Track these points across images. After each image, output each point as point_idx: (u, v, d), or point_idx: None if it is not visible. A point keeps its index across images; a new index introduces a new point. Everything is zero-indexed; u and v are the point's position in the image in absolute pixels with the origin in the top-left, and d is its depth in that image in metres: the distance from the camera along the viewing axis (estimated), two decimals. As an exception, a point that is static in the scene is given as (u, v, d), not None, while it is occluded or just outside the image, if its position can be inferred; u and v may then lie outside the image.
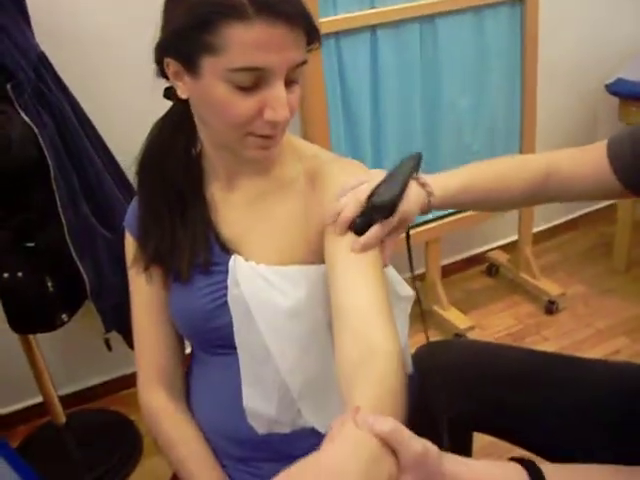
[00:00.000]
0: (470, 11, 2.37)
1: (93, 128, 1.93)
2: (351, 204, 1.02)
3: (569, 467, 0.94)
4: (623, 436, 1.19)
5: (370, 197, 1.03)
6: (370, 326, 0.93)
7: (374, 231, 1.02)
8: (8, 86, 1.64)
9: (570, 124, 3.14)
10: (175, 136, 1.14)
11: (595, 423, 1.24)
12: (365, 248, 1.01)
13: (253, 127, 0.99)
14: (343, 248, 1.01)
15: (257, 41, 0.91)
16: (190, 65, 0.97)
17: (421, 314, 1.24)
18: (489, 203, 1.30)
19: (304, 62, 0.98)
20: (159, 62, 1.03)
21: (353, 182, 1.06)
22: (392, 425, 0.69)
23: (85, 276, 1.88)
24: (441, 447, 0.76)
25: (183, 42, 0.96)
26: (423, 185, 1.12)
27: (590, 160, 1.21)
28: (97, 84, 2.09)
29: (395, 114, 2.36)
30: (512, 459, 0.89)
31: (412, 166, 1.11)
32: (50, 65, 1.81)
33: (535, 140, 2.70)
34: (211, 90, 0.96)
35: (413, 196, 1.09)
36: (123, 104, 2.13)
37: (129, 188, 1.95)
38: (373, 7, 2.20)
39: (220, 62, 0.93)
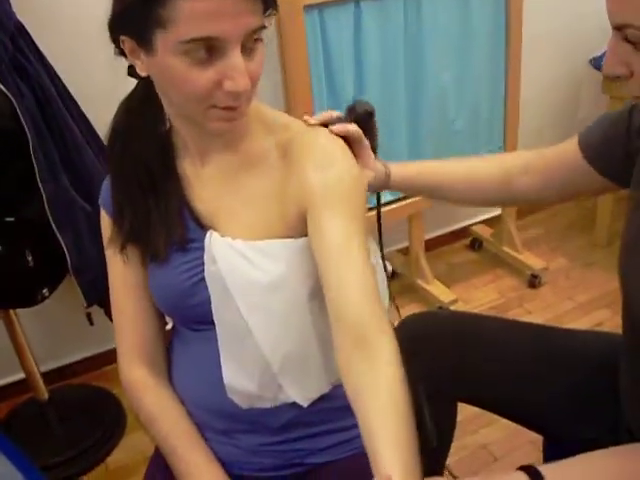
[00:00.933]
0: (454, -16, 2.35)
1: (72, 99, 1.90)
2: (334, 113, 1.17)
3: (568, 464, 0.96)
4: (608, 409, 1.21)
5: (350, 107, 1.24)
6: (367, 320, 0.96)
7: (349, 125, 1.16)
8: (-16, 56, 1.61)
9: (554, 99, 3.14)
10: (142, 114, 1.11)
11: (577, 393, 1.25)
12: (337, 130, 1.13)
13: (214, 100, 0.96)
14: (333, 232, 1.01)
15: (207, 10, 0.87)
16: (143, 41, 0.94)
17: (389, 286, 1.28)
18: (450, 191, 1.35)
19: (261, 27, 0.94)
20: (115, 41, 1.00)
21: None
22: None
23: (66, 250, 1.86)
24: (422, 417, 0.78)
25: (133, 18, 0.92)
26: (384, 165, 1.27)
27: (562, 152, 1.24)
28: (76, 55, 2.06)
29: (378, 87, 2.34)
30: (519, 468, 0.93)
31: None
32: (28, 35, 1.78)
33: (519, 114, 2.70)
34: (167, 65, 0.93)
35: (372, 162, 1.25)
36: (103, 75, 2.09)
37: (109, 160, 1.92)
38: (357, -22, 2.17)
39: (171, 35, 0.89)
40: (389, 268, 1.32)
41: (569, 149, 1.23)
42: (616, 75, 0.91)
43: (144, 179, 1.12)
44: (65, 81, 1.89)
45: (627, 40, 0.87)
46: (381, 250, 1.23)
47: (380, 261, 1.29)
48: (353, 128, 1.17)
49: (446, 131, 2.56)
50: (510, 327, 1.39)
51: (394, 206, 2.49)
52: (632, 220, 1.09)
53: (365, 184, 1.15)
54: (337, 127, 1.13)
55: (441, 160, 1.37)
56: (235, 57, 0.92)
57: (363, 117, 1.23)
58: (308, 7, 2.09)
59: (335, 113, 1.18)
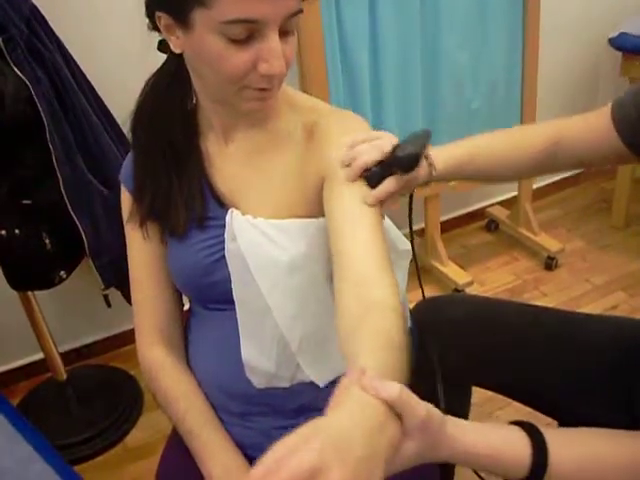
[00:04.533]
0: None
1: (88, 83, 1.91)
2: (373, 151, 1.03)
3: (571, 431, 0.94)
4: (623, 394, 1.20)
5: (394, 150, 1.04)
6: (371, 279, 0.94)
7: (388, 183, 1.03)
8: (0, 41, 1.61)
9: (572, 78, 3.11)
10: (170, 90, 1.12)
11: (595, 379, 1.25)
12: (377, 200, 1.02)
13: (248, 80, 0.97)
14: (346, 198, 1.01)
15: None
16: (182, 19, 0.94)
17: (417, 270, 1.24)
18: (494, 174, 1.29)
19: (299, 11, 0.95)
20: (150, 16, 1.01)
21: (364, 134, 1.07)
22: (399, 391, 0.69)
23: (83, 232, 1.87)
24: (437, 401, 0.77)
25: None
26: (426, 157, 1.13)
27: (595, 126, 1.19)
28: (92, 38, 2.06)
29: (394, 68, 2.33)
30: (513, 422, 0.90)
31: (427, 136, 1.12)
32: (43, 19, 1.78)
33: (536, 94, 2.67)
34: (204, 44, 0.94)
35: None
36: (119, 58, 2.10)
37: (126, 143, 1.93)
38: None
39: (212, 15, 0.90)
40: (408, 247, 1.30)
41: (601, 123, 1.18)
42: None
43: (167, 155, 1.13)
44: (81, 65, 1.89)
45: None
46: (411, 231, 1.20)
47: (401, 238, 1.28)
48: (390, 188, 1.05)
49: (463, 111, 2.54)
50: (525, 311, 1.38)
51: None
52: None
53: None
54: (375, 195, 1.03)
55: (484, 140, 1.27)
56: (273, 40, 0.93)
57: (407, 163, 1.06)
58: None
59: (370, 156, 1.04)
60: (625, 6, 2.89)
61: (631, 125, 1.15)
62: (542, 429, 0.88)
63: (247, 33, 0.92)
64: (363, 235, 0.98)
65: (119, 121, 1.96)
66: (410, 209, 1.18)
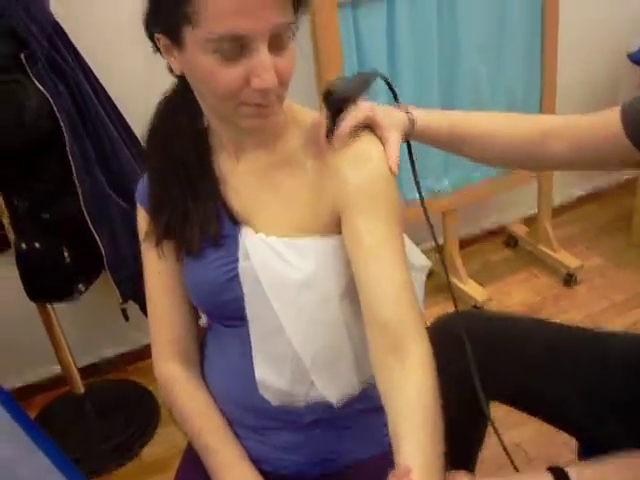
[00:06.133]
0: (489, -24, 2.33)
1: (108, 98, 1.93)
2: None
3: (598, 467, 0.94)
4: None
5: (327, 88, 1.07)
6: (404, 328, 0.99)
7: (341, 122, 1.05)
8: (22, 55, 1.63)
9: (591, 92, 3.08)
10: (181, 111, 1.12)
11: (612, 396, 1.23)
12: (339, 139, 1.05)
13: (243, 97, 0.96)
14: (367, 235, 1.02)
15: (232, 7, 0.88)
16: (175, 38, 0.94)
17: (449, 285, 1.28)
18: (475, 149, 1.26)
19: (290, 24, 0.94)
20: (151, 38, 1.01)
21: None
22: None
23: (102, 246, 1.88)
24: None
25: (164, 15, 0.94)
26: (406, 112, 1.15)
27: (602, 125, 1.17)
28: (112, 53, 2.07)
29: (412, 83, 2.33)
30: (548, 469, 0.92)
31: (370, 77, 1.14)
32: (65, 34, 1.80)
33: (555, 107, 2.66)
34: (196, 63, 0.94)
35: (395, 112, 1.14)
36: (139, 75, 2.11)
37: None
38: (390, -27, 2.16)
39: (198, 32, 0.90)
40: (427, 263, 1.29)
41: (610, 121, 1.15)
42: None
43: (181, 176, 1.13)
44: (101, 80, 1.91)
45: None
46: (434, 240, 1.21)
47: (418, 254, 1.28)
48: (347, 128, 1.07)
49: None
50: (544, 327, 1.37)
51: (428, 203, 2.46)
52: None
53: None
54: (336, 141, 1.06)
55: (470, 114, 1.26)
56: (262, 54, 0.92)
57: (339, 105, 1.07)
58: (342, 3, 2.09)
59: (319, 117, 1.10)
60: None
61: (638, 127, 1.12)
62: (569, 469, 0.89)
63: (236, 49, 0.91)
64: (386, 274, 1.01)
65: (138, 136, 1.97)
66: (426, 217, 1.20)
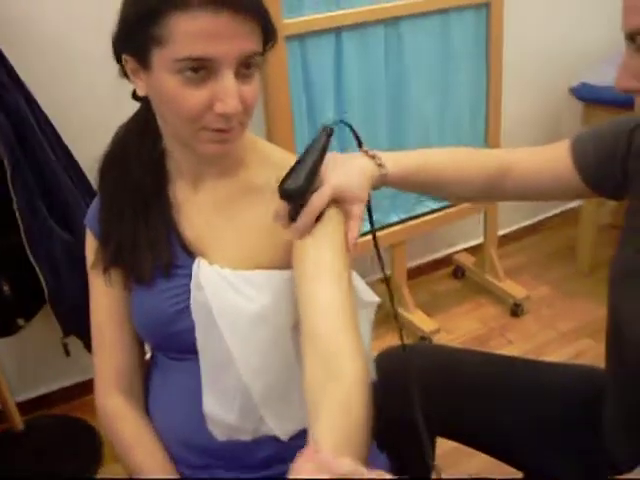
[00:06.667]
0: (435, 14, 2.37)
1: (52, 127, 1.89)
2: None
3: None
4: (585, 442, 1.20)
5: (281, 185, 1.00)
6: (340, 346, 0.93)
7: (302, 216, 1.00)
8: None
9: (535, 126, 3.16)
10: (142, 136, 1.12)
11: (556, 428, 1.24)
12: (302, 232, 1.01)
13: (205, 121, 0.96)
14: (312, 257, 1.01)
15: (201, 31, 0.90)
16: (143, 59, 0.95)
17: (395, 317, 1.27)
18: (441, 190, 1.26)
19: (257, 54, 0.96)
20: (119, 60, 1.02)
21: None
22: (350, 468, 0.69)
23: (43, 279, 1.84)
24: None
25: (133, 36, 0.95)
26: (372, 157, 1.09)
27: (552, 157, 1.20)
28: (58, 83, 2.04)
29: (360, 117, 2.34)
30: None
31: (322, 144, 1.05)
32: (5, 60, 1.77)
33: (500, 142, 2.71)
34: (162, 84, 0.95)
35: (358, 169, 1.05)
36: (86, 104, 2.09)
37: (90, 190, 1.91)
38: (339, 8, 2.18)
39: (167, 53, 0.92)
40: (376, 299, 1.29)
41: (560, 155, 1.19)
42: (628, 90, 0.90)
43: (135, 201, 1.13)
44: (43, 106, 1.87)
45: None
46: (382, 270, 1.20)
47: (367, 290, 1.27)
48: (311, 218, 1.02)
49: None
50: (488, 361, 1.38)
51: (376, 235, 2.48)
52: (623, 250, 1.08)
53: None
54: (297, 231, 1.02)
55: (435, 157, 1.24)
56: (227, 79, 0.93)
57: (297, 201, 1.02)
58: (289, 36, 2.10)
59: (279, 210, 1.04)
60: (586, 56, 2.95)
61: (588, 162, 1.16)
62: None
63: (202, 72, 0.92)
64: (332, 294, 0.97)
65: (82, 166, 1.94)
66: (376, 247, 1.17)
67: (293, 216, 1.02)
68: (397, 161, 1.12)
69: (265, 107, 2.25)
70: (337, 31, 2.20)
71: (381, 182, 1.10)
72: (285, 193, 1.00)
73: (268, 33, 0.99)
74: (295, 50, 2.15)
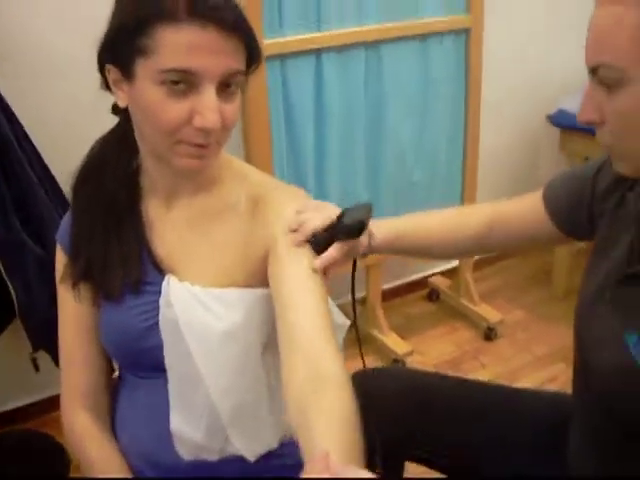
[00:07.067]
0: (415, 39, 2.39)
1: (28, 139, 1.88)
2: (318, 218, 1.08)
3: None
4: (553, 467, 1.20)
5: (340, 217, 1.10)
6: (321, 352, 0.94)
7: (333, 249, 1.08)
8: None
9: (512, 153, 3.19)
10: (118, 151, 1.12)
11: (525, 453, 1.25)
12: (323, 265, 1.06)
13: (183, 134, 0.97)
14: (293, 269, 1.03)
15: (188, 44, 0.91)
16: (126, 70, 0.96)
17: (358, 340, 1.29)
18: (431, 252, 1.34)
19: (240, 72, 0.97)
20: (101, 70, 1.02)
21: (312, 202, 1.13)
22: (368, 475, 0.70)
23: (14, 293, 1.82)
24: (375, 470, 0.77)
25: (119, 46, 0.95)
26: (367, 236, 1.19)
27: (530, 207, 1.24)
28: (37, 97, 2.04)
29: (338, 138, 2.36)
30: None
31: (370, 208, 1.16)
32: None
33: (477, 168, 2.73)
34: (144, 94, 0.95)
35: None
36: (63, 118, 2.08)
37: (65, 205, 1.89)
38: (320, 30, 2.20)
39: (152, 64, 0.92)
40: (346, 322, 1.30)
41: (534, 206, 1.23)
42: (590, 122, 0.93)
43: (108, 216, 1.12)
44: (20, 118, 1.86)
45: (601, 82, 0.88)
46: (353, 298, 1.23)
47: (337, 313, 1.28)
48: (334, 257, 1.09)
49: (405, 183, 2.58)
50: (460, 386, 1.39)
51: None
52: (587, 284, 1.10)
53: None
54: (320, 260, 1.07)
55: (420, 219, 1.33)
56: (209, 94, 0.94)
57: (352, 231, 1.11)
58: (270, 56, 2.11)
59: (317, 224, 1.09)
60: (563, 84, 2.99)
61: (560, 207, 1.20)
62: None
63: (185, 84, 0.93)
64: (311, 306, 0.99)
65: (58, 179, 1.93)
66: (353, 277, 1.21)
67: (318, 241, 1.07)
68: (384, 234, 1.23)
69: (244, 126, 2.25)
70: (317, 52, 2.21)
71: (369, 250, 1.21)
72: (349, 224, 1.10)
73: (252, 54, 1.00)
74: (275, 70, 2.16)
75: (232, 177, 1.15)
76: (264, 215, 1.10)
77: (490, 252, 1.36)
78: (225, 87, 0.96)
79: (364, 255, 1.22)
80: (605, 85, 0.89)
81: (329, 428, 0.83)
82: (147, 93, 0.95)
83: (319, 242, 1.08)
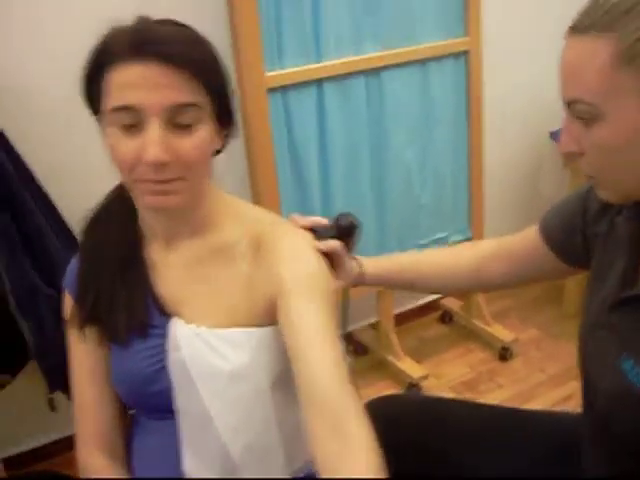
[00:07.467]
0: (415, 64, 2.41)
1: (35, 181, 1.90)
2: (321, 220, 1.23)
3: None
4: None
5: (336, 219, 1.25)
6: (344, 409, 0.92)
7: (332, 242, 1.19)
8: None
9: (517, 173, 3.19)
10: (124, 199, 1.13)
11: (541, 476, 1.24)
12: (323, 249, 1.15)
13: (139, 172, 0.98)
14: (305, 317, 1.00)
15: (130, 81, 0.93)
16: (98, 116, 1.01)
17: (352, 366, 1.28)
18: (423, 289, 1.46)
19: (191, 105, 0.97)
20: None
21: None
22: None
23: (28, 335, 1.83)
24: None
25: (88, 94, 1.01)
26: (358, 263, 1.30)
27: (529, 240, 1.26)
28: (42, 136, 2.06)
29: (343, 167, 2.37)
30: None
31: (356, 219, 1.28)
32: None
33: (482, 188, 2.74)
34: (107, 136, 0.99)
35: (347, 265, 1.27)
36: (70, 157, 2.10)
37: (73, 245, 1.91)
38: (319, 61, 2.22)
39: (104, 106, 0.97)
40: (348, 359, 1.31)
41: (531, 237, 1.25)
42: (570, 152, 0.94)
43: (113, 262, 1.14)
44: (27, 161, 1.89)
45: (577, 117, 0.89)
46: (343, 329, 1.25)
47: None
48: (335, 247, 1.20)
49: (412, 207, 2.59)
50: (475, 411, 1.39)
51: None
52: (590, 307, 1.10)
53: (332, 280, 1.15)
54: (323, 244, 1.17)
55: (414, 254, 1.43)
56: (151, 128, 0.95)
57: (347, 230, 1.26)
58: (271, 89, 2.13)
59: (323, 221, 1.24)
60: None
61: (556, 236, 1.21)
62: None
63: (134, 123, 0.95)
64: (329, 357, 0.96)
65: (66, 221, 1.95)
66: (343, 306, 1.28)
67: (319, 235, 1.20)
68: (375, 267, 1.33)
69: (248, 159, 2.27)
70: (318, 83, 2.24)
71: (362, 279, 1.30)
72: (336, 220, 1.25)
73: (210, 85, 0.99)
74: (277, 102, 2.18)
75: (229, 216, 1.15)
76: (267, 258, 1.09)
77: (491, 288, 1.38)
78: (176, 120, 0.96)
79: (355, 284, 1.29)
80: (581, 119, 0.90)
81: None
82: (107, 135, 0.98)
83: (321, 234, 1.20)
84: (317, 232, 1.20)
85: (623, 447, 1.04)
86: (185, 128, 0.97)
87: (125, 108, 0.94)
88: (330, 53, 2.23)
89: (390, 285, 1.41)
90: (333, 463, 0.88)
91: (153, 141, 0.94)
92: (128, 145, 0.96)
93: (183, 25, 1.02)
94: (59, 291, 1.82)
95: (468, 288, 1.40)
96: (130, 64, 0.93)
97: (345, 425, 0.91)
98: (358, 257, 1.32)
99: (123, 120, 0.95)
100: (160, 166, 0.96)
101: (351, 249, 1.28)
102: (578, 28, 0.88)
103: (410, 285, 1.38)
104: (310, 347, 0.98)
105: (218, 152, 1.12)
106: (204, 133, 1.00)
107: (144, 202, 1.03)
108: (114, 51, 0.95)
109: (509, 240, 1.30)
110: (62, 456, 2.43)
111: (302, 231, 1.17)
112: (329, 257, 1.18)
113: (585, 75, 0.86)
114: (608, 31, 0.84)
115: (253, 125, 2.12)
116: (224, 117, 1.05)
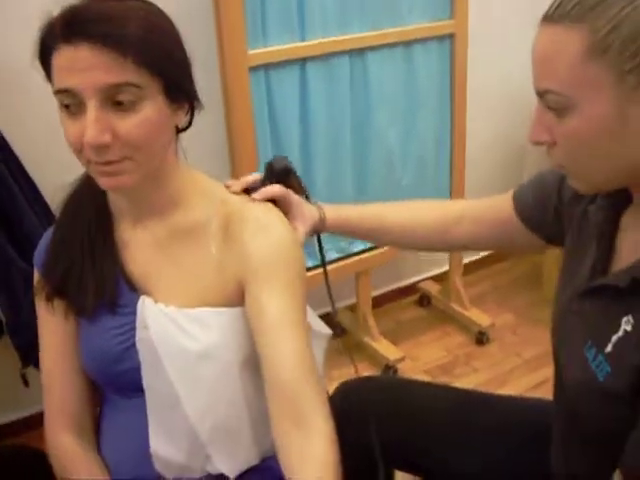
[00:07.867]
0: (400, 46, 2.40)
1: (16, 159, 1.88)
2: (253, 175, 1.21)
3: None
4: (537, 474, 1.21)
5: (268, 168, 1.24)
6: (304, 397, 0.98)
7: (271, 187, 1.18)
8: None
9: (500, 156, 3.20)
10: None
11: (509, 460, 1.25)
12: (262, 196, 1.16)
13: (85, 154, 0.97)
14: (273, 304, 1.03)
15: (64, 64, 0.93)
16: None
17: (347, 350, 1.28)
18: (384, 241, 1.42)
19: (128, 84, 0.94)
20: None
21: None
22: None
23: (0, 310, 1.81)
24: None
25: (46, 73, 0.99)
26: (318, 209, 1.28)
27: (499, 205, 1.25)
28: (20, 110, 2.03)
29: (324, 147, 2.36)
30: None
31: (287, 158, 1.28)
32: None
33: (464, 172, 2.74)
34: (60, 118, 0.98)
35: (308, 207, 1.26)
36: (49, 133, 2.06)
37: (52, 220, 1.90)
38: (303, 39, 2.20)
39: (53, 87, 0.96)
40: (328, 331, 1.31)
41: (504, 205, 1.25)
42: (541, 142, 0.93)
43: (85, 237, 1.13)
44: (7, 137, 1.87)
45: (549, 107, 0.89)
46: (332, 308, 1.24)
47: (319, 323, 1.29)
48: (273, 190, 1.19)
49: (393, 187, 2.58)
50: (444, 394, 1.39)
51: (341, 263, 2.50)
52: (562, 293, 1.11)
53: (301, 246, 1.17)
54: (258, 194, 1.16)
55: (381, 204, 1.39)
56: (89, 110, 0.94)
57: (283, 173, 1.24)
58: (254, 67, 2.11)
59: (254, 176, 1.22)
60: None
61: (526, 204, 1.21)
62: None
63: (76, 105, 0.94)
64: (289, 348, 1.00)
65: (44, 194, 1.93)
66: (320, 249, 1.33)
67: (257, 187, 1.19)
68: (336, 213, 1.31)
69: (229, 139, 2.25)
70: (302, 62, 2.22)
71: (321, 225, 1.28)
72: (272, 165, 1.24)
73: (155, 62, 0.96)
74: (260, 81, 2.16)
75: (199, 195, 1.13)
76: (234, 234, 1.09)
77: (455, 249, 1.38)
78: (114, 101, 0.94)
79: (316, 231, 1.28)
80: (553, 109, 0.89)
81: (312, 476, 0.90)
82: (60, 116, 0.98)
83: (258, 187, 1.18)
84: (254, 189, 1.18)
85: (590, 439, 1.05)
86: (126, 108, 0.95)
87: (65, 91, 0.94)
88: (315, 32, 2.21)
89: (350, 233, 1.38)
90: (291, 453, 0.95)
91: (89, 123, 0.93)
92: (73, 127, 0.96)
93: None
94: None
95: (431, 247, 1.38)
96: (65, 47, 0.92)
97: (307, 419, 0.96)
98: (319, 203, 1.30)
99: (67, 102, 0.95)
100: (102, 147, 0.95)
101: (298, 192, 1.26)
102: (551, 17, 0.87)
103: (371, 236, 1.38)
104: (275, 333, 1.01)
105: (185, 129, 1.10)
106: (149, 111, 0.97)
107: (100, 183, 1.01)
108: (52, 36, 0.94)
109: (481, 204, 1.30)
110: (36, 431, 2.41)
111: (268, 205, 1.15)
112: (278, 204, 1.18)
113: (557, 66, 0.86)
114: (580, 22, 0.83)
115: (234, 103, 2.10)
116: (177, 93, 1.02)
